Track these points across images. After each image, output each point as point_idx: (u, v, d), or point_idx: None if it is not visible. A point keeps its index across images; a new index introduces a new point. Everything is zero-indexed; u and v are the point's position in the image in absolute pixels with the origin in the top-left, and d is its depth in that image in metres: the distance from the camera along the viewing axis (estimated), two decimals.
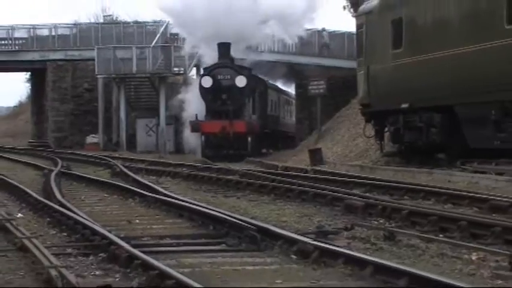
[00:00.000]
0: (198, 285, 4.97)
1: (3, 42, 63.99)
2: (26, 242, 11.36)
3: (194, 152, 41.59)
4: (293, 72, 55.61)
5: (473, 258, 10.57)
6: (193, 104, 41.71)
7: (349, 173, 25.21)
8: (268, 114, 50.91)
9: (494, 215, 14.31)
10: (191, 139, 42.45)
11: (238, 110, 38.30)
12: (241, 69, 38.82)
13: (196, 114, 38.73)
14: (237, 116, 37.42)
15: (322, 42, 51.07)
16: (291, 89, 62.10)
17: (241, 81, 37.59)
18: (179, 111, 47.39)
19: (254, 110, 43.31)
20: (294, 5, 46.47)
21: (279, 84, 60.73)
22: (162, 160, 36.00)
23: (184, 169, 29.40)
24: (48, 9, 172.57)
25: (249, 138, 38.26)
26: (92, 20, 55.47)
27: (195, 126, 38.13)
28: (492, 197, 16.23)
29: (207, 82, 37.78)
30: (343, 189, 19.23)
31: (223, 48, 39.20)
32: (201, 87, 38.25)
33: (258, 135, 42.04)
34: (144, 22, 60.64)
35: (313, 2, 49.33)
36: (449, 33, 26.17)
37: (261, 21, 44.22)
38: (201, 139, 37.87)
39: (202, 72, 41.02)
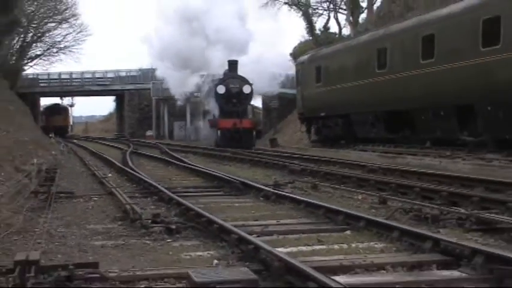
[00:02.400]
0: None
1: (101, 79, 63.66)
2: (113, 190, 11.35)
3: (206, 139, 36.46)
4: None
5: (359, 198, 10.65)
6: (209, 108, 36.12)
7: (292, 152, 25.14)
8: None
9: (370, 174, 14.38)
10: (205, 131, 37.45)
11: (244, 111, 33.34)
12: (246, 80, 33.21)
13: (213, 114, 33.82)
14: (243, 115, 32.55)
15: None
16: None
17: (247, 89, 32.64)
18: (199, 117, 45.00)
19: None
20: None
21: None
22: (188, 145, 35.83)
23: (200, 150, 29.19)
24: (126, 58, 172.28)
25: (254, 132, 33.24)
26: (149, 67, 55.26)
27: (213, 123, 33.16)
28: (369, 164, 16.30)
29: (221, 89, 32.41)
30: (289, 161, 19.20)
31: (233, 64, 33.88)
32: (216, 93, 32.78)
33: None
34: None
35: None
36: (346, 74, 26.28)
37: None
38: (216, 133, 32.37)
39: (217, 82, 34.09)
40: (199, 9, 40.24)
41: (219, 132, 31.74)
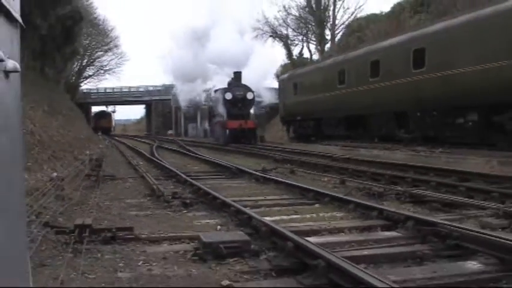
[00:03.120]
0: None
1: (135, 92, 64.00)
2: (144, 174, 11.31)
3: (214, 137, 32.92)
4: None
5: (325, 180, 10.62)
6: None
7: (276, 146, 25.12)
8: None
9: (334, 162, 14.38)
10: (215, 129, 32.79)
11: (248, 114, 29.64)
12: (249, 88, 29.93)
13: (223, 116, 29.68)
14: (247, 118, 29.09)
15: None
16: None
17: (250, 95, 29.43)
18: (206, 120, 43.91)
19: None
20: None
21: None
22: (198, 141, 35.74)
23: (209, 145, 29.04)
24: (153, 76, 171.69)
25: (256, 132, 29.68)
26: (170, 83, 55.56)
27: (223, 124, 29.24)
28: (333, 155, 16.31)
29: (229, 95, 29.14)
30: (273, 152, 19.18)
31: (237, 74, 30.79)
32: (224, 99, 29.40)
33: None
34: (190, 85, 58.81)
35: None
36: (316, 88, 26.20)
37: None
38: (225, 132, 28.77)
39: (225, 90, 30.20)
40: (204, 28, 37.60)
41: (227, 131, 28.78)
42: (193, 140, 36.03)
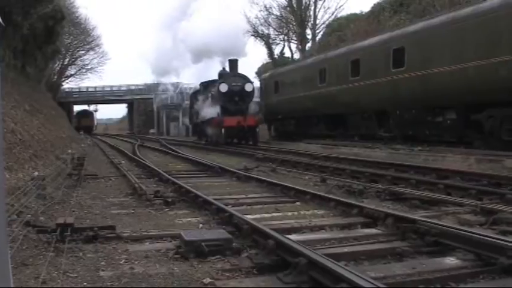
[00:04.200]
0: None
1: (117, 91, 63.40)
2: (126, 173, 11.20)
3: (208, 137, 27.66)
4: None
5: (306, 178, 10.64)
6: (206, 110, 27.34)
7: (259, 144, 24.99)
8: None
9: (314, 160, 14.40)
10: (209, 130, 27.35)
11: (247, 109, 25.45)
12: (247, 78, 26.18)
13: (218, 113, 25.14)
14: (246, 113, 24.92)
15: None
16: None
17: (249, 87, 25.27)
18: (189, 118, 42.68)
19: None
20: None
21: None
22: (181, 140, 35.53)
23: (190, 143, 28.85)
24: (134, 74, 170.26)
25: (257, 129, 25.70)
26: (152, 82, 55.28)
27: (219, 122, 24.67)
28: (315, 153, 16.35)
29: (224, 88, 24.93)
30: (255, 151, 19.15)
31: (233, 62, 26.19)
32: (219, 92, 25.20)
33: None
34: (173, 83, 58.40)
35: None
36: (297, 87, 26.23)
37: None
38: (220, 131, 24.82)
39: (218, 81, 26.16)
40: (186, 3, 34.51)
41: (222, 130, 24.80)
42: (175, 139, 35.83)
